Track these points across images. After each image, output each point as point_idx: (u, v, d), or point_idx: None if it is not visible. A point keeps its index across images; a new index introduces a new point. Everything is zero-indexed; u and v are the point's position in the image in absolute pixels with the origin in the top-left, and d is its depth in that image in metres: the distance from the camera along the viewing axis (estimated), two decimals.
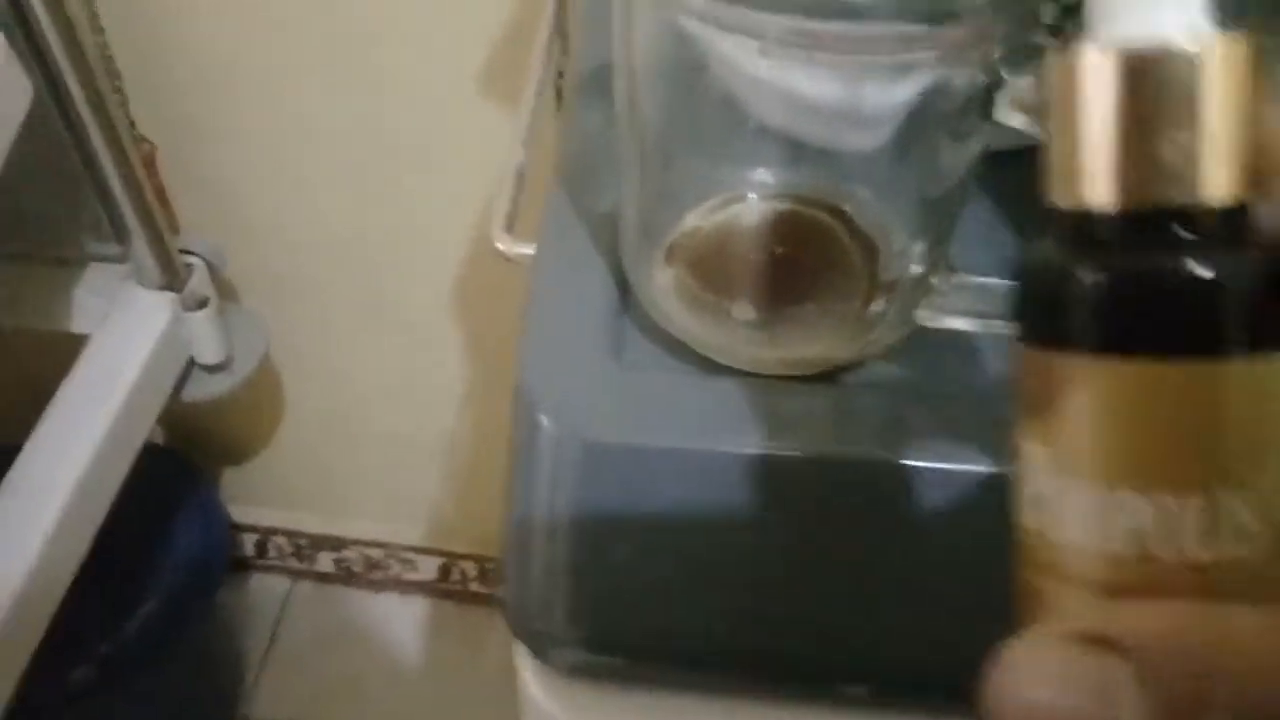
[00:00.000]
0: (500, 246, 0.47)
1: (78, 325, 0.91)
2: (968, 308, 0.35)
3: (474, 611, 1.28)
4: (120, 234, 0.88)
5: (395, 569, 1.27)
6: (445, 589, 1.28)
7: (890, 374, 0.38)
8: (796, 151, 0.34)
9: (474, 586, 1.27)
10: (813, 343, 0.37)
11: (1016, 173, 0.42)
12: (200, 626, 1.12)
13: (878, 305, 0.36)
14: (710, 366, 0.37)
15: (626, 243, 0.39)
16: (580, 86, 0.47)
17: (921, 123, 0.31)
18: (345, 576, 1.29)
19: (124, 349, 0.88)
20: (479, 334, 1.07)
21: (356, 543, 1.27)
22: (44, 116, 0.79)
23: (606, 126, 0.43)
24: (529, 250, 0.43)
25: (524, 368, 0.37)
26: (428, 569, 1.27)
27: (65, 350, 0.88)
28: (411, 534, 1.25)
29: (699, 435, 0.35)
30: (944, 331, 0.36)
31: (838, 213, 0.37)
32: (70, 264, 0.93)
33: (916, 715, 0.38)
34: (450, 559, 1.26)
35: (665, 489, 0.35)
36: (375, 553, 1.27)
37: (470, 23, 0.84)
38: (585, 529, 0.36)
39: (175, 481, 1.14)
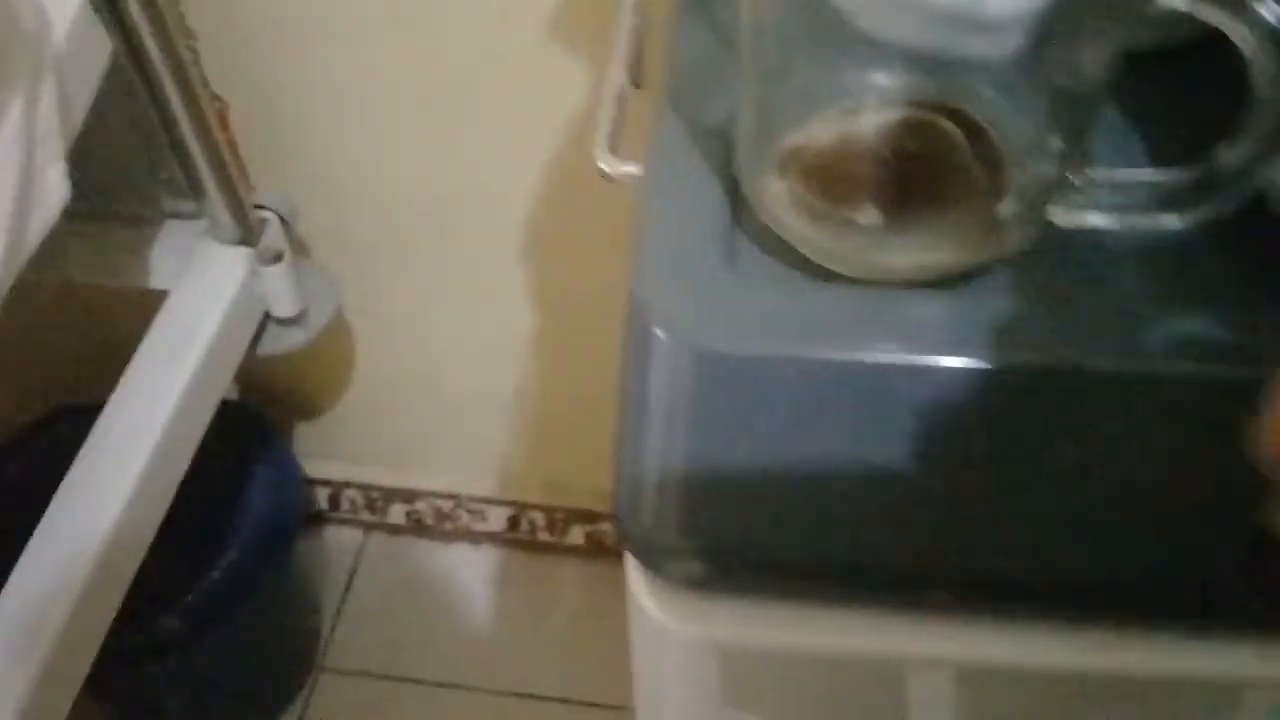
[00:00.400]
0: (603, 166, 0.47)
1: (155, 281, 0.92)
2: (1105, 203, 0.34)
3: (543, 560, 1.29)
4: (196, 191, 0.89)
5: (465, 520, 1.29)
6: (515, 539, 1.29)
7: (1022, 278, 0.37)
8: (917, 56, 0.33)
9: (542, 536, 1.28)
10: (939, 247, 0.36)
11: (1159, 72, 0.41)
12: (277, 578, 1.14)
13: (1007, 206, 0.35)
14: (829, 276, 0.37)
15: (741, 153, 0.38)
16: (684, 4, 0.46)
17: (1067, 13, 0.30)
18: (417, 528, 1.31)
19: (201, 304, 0.89)
20: (546, 288, 1.07)
21: (428, 494, 1.28)
22: (121, 75, 0.80)
23: (712, 40, 0.43)
24: (632, 169, 0.43)
25: (637, 279, 0.37)
26: (497, 519, 1.28)
27: (144, 307, 0.90)
28: (481, 485, 1.26)
29: (817, 343, 0.35)
30: (1081, 232, 0.35)
31: (961, 115, 0.36)
32: (147, 221, 0.94)
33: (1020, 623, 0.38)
34: (519, 509, 1.27)
35: (781, 399, 0.35)
36: (446, 504, 1.28)
37: None
38: (700, 440, 0.36)
39: (251, 436, 1.16)
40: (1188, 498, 0.36)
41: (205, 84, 0.94)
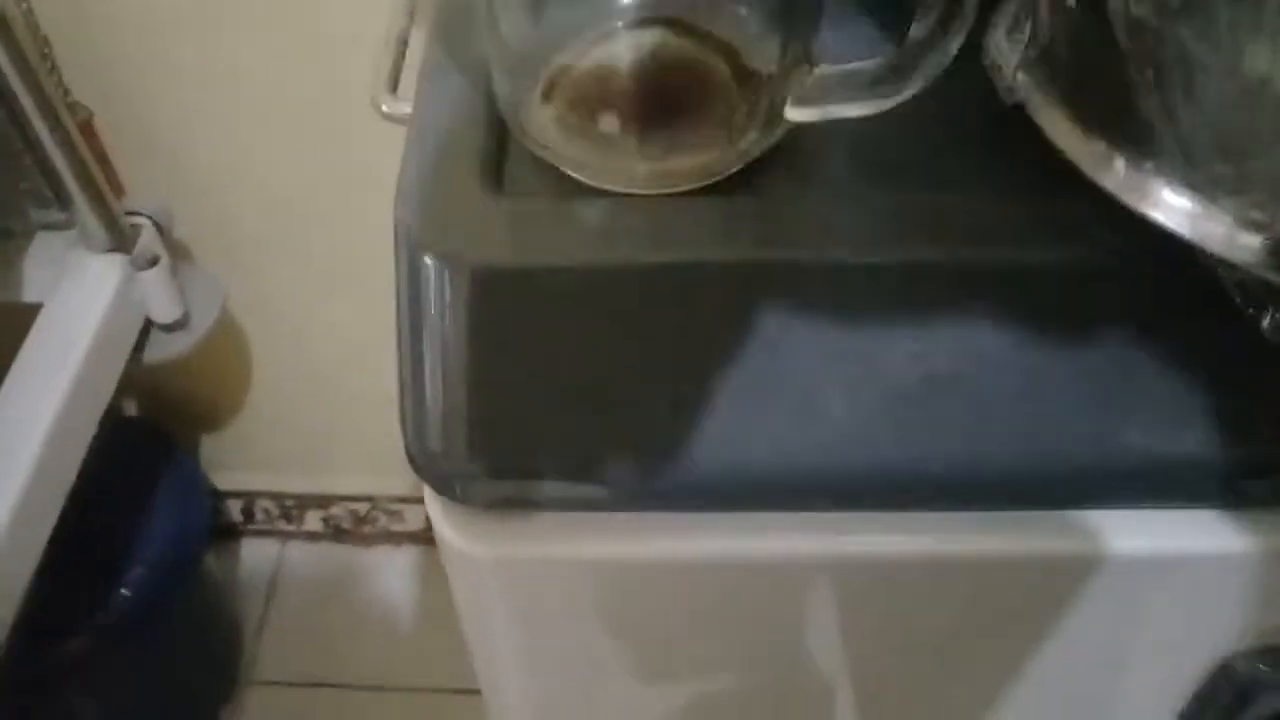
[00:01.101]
0: (383, 107, 0.47)
1: (29, 295, 0.91)
2: (833, 96, 0.36)
3: None
4: (63, 201, 0.88)
5: (383, 521, 1.28)
6: (434, 536, 1.27)
7: (771, 178, 0.38)
8: None
9: None
10: (687, 153, 0.37)
11: None
12: (189, 593, 1.13)
13: (744, 109, 0.37)
14: (591, 193, 0.38)
15: (498, 84, 0.39)
16: None
17: None
18: (335, 534, 1.29)
19: (77, 314, 0.87)
20: None
21: (342, 499, 1.27)
22: None
23: None
24: (409, 108, 0.43)
25: (401, 205, 0.37)
26: (415, 519, 1.27)
27: (21, 322, 0.88)
28: (396, 485, 1.25)
29: (583, 251, 0.35)
30: (820, 125, 0.37)
31: (700, 31, 0.38)
32: (16, 234, 0.92)
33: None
34: None
35: (554, 309, 0.36)
36: (361, 507, 1.27)
37: None
38: (476, 358, 0.36)
39: (152, 451, 1.14)
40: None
41: (65, 92, 0.93)
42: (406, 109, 0.44)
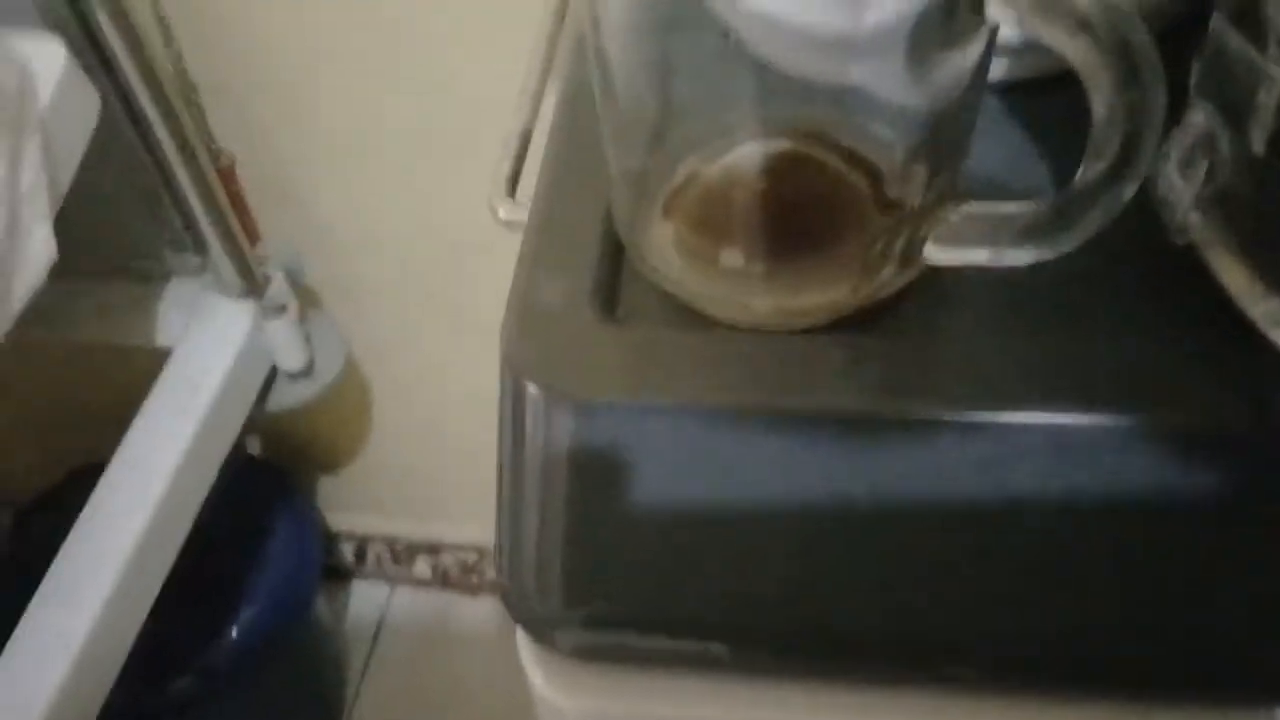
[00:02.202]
0: (501, 213, 0.45)
1: (161, 339, 0.92)
2: (981, 238, 0.32)
3: None
4: (198, 246, 0.89)
5: (491, 573, 1.27)
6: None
7: (903, 320, 0.35)
8: (791, 84, 0.31)
9: None
10: (815, 289, 0.35)
11: (1035, 103, 0.40)
12: (300, 634, 1.13)
13: (882, 242, 0.34)
14: (711, 326, 0.35)
15: (617, 199, 0.37)
16: (579, 36, 0.44)
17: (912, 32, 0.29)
18: (442, 581, 1.29)
19: (206, 359, 0.88)
20: None
21: (452, 547, 1.27)
22: (119, 131, 0.80)
23: None
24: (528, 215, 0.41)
25: (508, 332, 0.35)
26: None
27: (150, 364, 0.90)
28: None
29: (698, 392, 0.33)
30: (958, 270, 0.33)
31: (839, 148, 0.34)
32: (152, 278, 0.94)
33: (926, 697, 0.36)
34: None
35: (663, 452, 0.33)
36: (470, 556, 1.26)
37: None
38: (579, 499, 0.34)
39: (270, 492, 1.15)
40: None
41: (209, 137, 0.94)
42: (524, 215, 0.42)
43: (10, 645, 0.76)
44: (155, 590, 0.83)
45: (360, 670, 1.26)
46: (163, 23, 0.88)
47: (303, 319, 0.94)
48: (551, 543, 0.35)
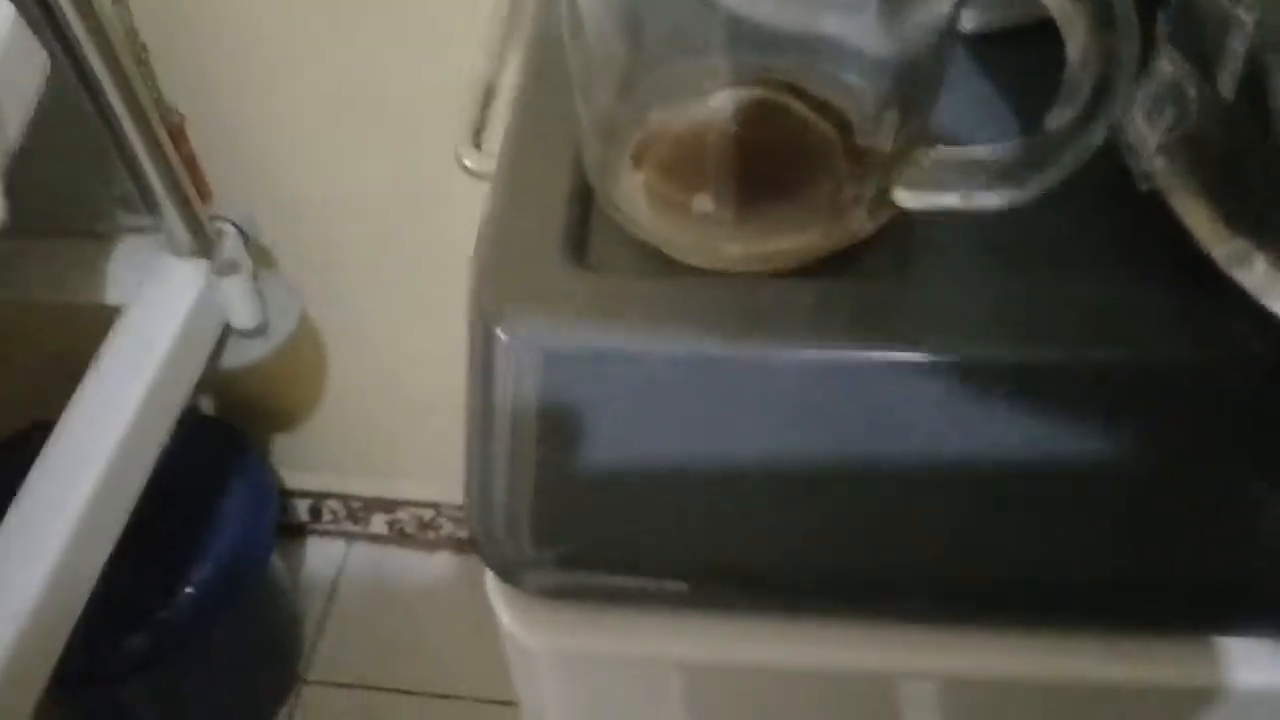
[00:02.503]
0: (467, 163, 0.45)
1: (113, 297, 0.92)
2: (951, 182, 0.33)
3: None
4: (150, 205, 0.88)
5: (448, 528, 1.27)
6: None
7: (873, 263, 0.36)
8: (761, 33, 0.32)
9: None
10: (785, 234, 0.35)
11: (1006, 53, 0.40)
12: (255, 592, 1.14)
13: (852, 187, 0.34)
14: (682, 271, 0.36)
15: (587, 146, 0.37)
16: None
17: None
18: (399, 538, 1.29)
19: (158, 318, 0.88)
20: None
21: (408, 504, 1.27)
22: (69, 90, 0.79)
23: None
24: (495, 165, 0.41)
25: (477, 277, 0.35)
26: None
27: (102, 323, 0.89)
28: (461, 493, 1.25)
29: (666, 338, 0.33)
30: (928, 213, 0.34)
31: (808, 96, 0.35)
32: (103, 237, 0.93)
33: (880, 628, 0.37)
34: None
35: (631, 396, 0.34)
36: (427, 513, 1.27)
37: None
38: (548, 442, 0.34)
39: (225, 450, 1.15)
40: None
41: (159, 97, 0.93)
42: (491, 165, 0.42)
43: None
44: (109, 547, 0.83)
45: (317, 626, 1.26)
46: None
47: (256, 277, 0.94)
48: (521, 485, 0.35)
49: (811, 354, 0.33)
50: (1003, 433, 0.33)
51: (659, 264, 0.36)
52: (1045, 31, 0.29)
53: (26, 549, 0.78)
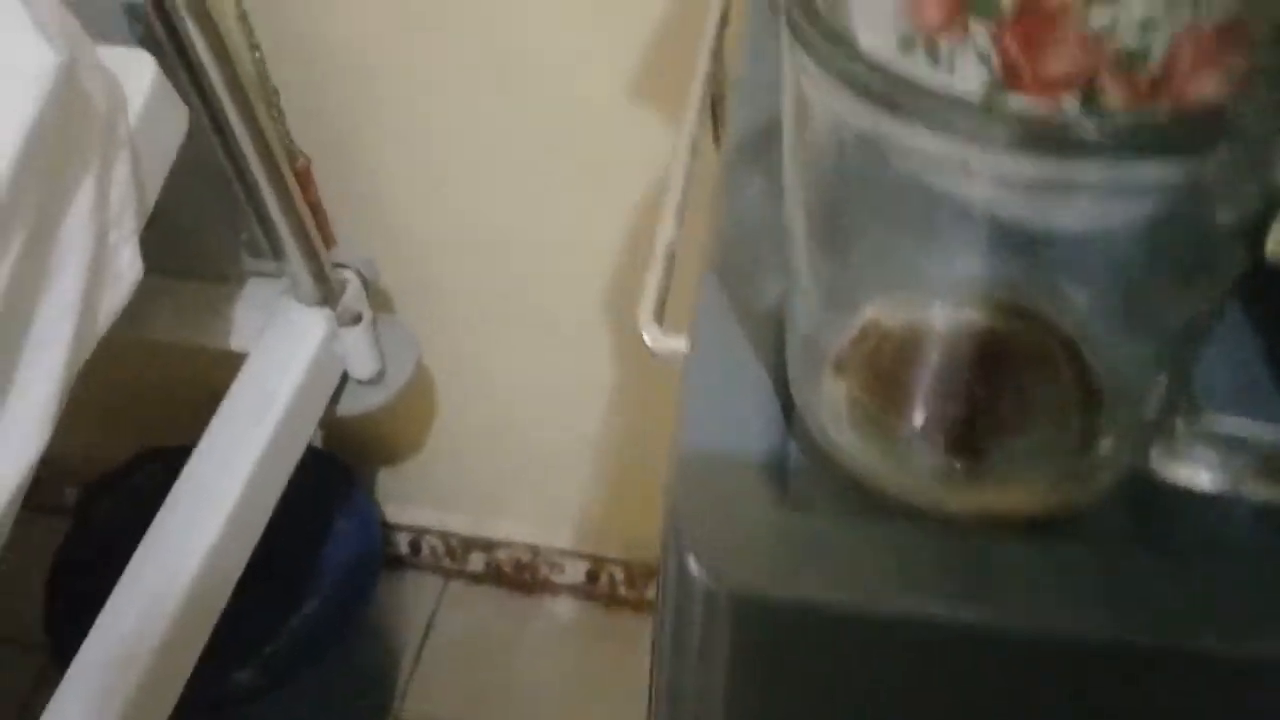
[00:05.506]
0: (647, 339, 0.43)
1: (236, 342, 0.93)
2: (1215, 460, 0.28)
3: (621, 615, 1.27)
4: (276, 251, 0.89)
5: (544, 571, 1.27)
6: (593, 591, 1.27)
7: (1113, 526, 0.31)
8: (999, 244, 0.27)
9: (622, 591, 1.26)
10: (1020, 487, 0.31)
11: None
12: (357, 626, 1.14)
13: (1103, 447, 0.30)
14: (887, 509, 0.32)
15: (791, 350, 0.34)
16: (737, 152, 0.41)
17: (1162, 252, 0.25)
18: (495, 577, 1.30)
19: (280, 367, 0.89)
20: (627, 339, 1.05)
21: (507, 544, 1.27)
22: (200, 136, 0.80)
23: (768, 203, 0.39)
24: (679, 344, 0.39)
25: (674, 498, 0.33)
26: (575, 572, 1.26)
27: (227, 362, 0.90)
28: (561, 537, 1.25)
29: (871, 595, 0.30)
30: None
31: (1050, 328, 0.30)
32: (229, 280, 0.94)
33: None
34: (598, 563, 1.25)
35: (834, 655, 0.31)
36: (525, 555, 1.27)
37: (625, 28, 0.82)
38: (738, 686, 0.32)
39: (332, 483, 1.16)
40: None
41: (289, 142, 0.94)
42: (673, 344, 0.40)
43: (93, 636, 0.77)
44: (232, 585, 0.84)
45: (412, 661, 1.27)
46: (246, 24, 0.88)
47: (375, 322, 0.94)
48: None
49: (1038, 629, 0.29)
50: None
51: (864, 495, 0.32)
52: None
53: (157, 588, 0.79)
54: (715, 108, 0.63)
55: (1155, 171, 0.21)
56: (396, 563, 1.31)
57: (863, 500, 0.32)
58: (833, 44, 0.24)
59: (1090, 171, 0.21)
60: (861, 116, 0.23)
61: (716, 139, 0.66)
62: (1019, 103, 0.32)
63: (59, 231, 0.62)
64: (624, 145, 0.89)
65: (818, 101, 0.26)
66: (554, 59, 0.86)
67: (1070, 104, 0.32)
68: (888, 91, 0.22)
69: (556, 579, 1.27)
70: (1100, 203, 0.24)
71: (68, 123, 0.61)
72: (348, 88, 0.93)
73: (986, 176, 0.24)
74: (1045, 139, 0.20)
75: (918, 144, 0.22)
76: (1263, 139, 0.21)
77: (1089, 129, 0.19)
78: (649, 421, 1.10)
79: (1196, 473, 0.28)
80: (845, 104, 0.23)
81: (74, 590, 1.10)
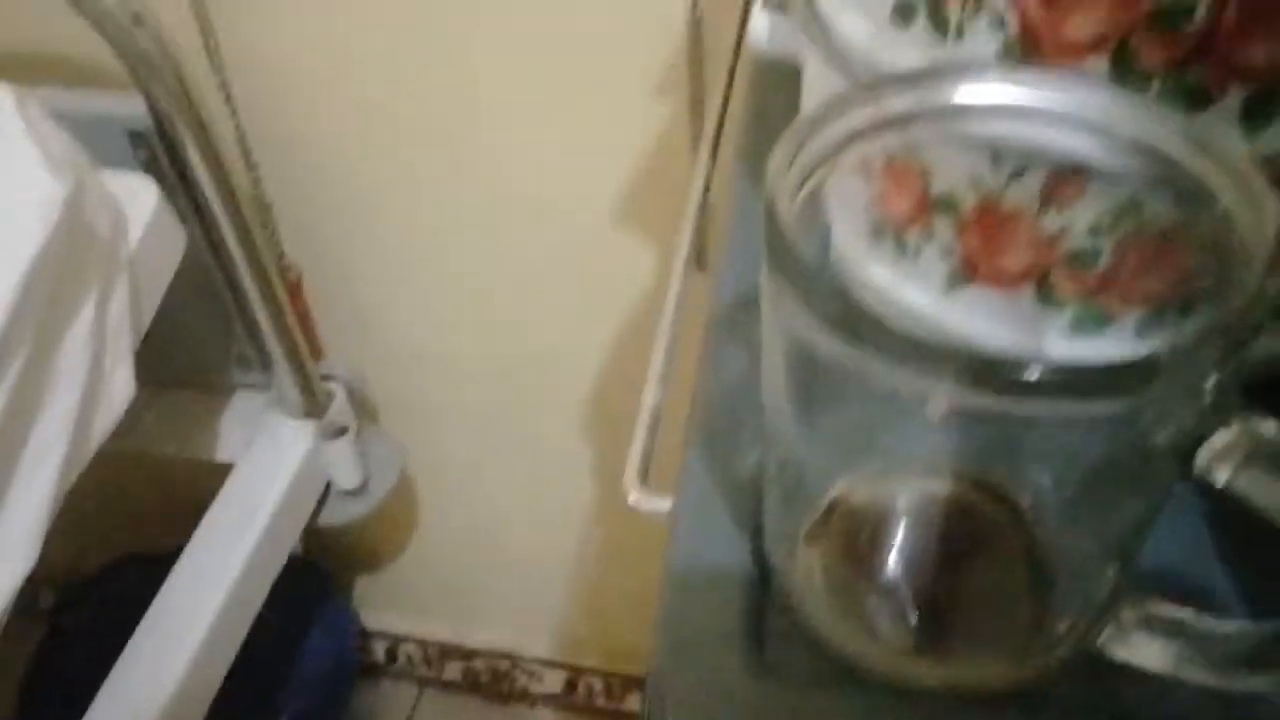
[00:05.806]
0: (631, 499, 0.44)
1: (222, 453, 0.94)
2: (1159, 646, 0.29)
3: None
4: (264, 364, 0.91)
5: (522, 681, 1.27)
6: (571, 702, 1.27)
7: (1074, 698, 0.32)
8: (966, 424, 0.28)
9: (600, 701, 1.26)
10: (980, 662, 0.32)
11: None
12: None
13: (1058, 628, 0.31)
14: (861, 680, 0.33)
15: (768, 517, 0.35)
16: (720, 320, 0.43)
17: (1105, 461, 0.27)
18: (472, 686, 1.29)
19: (266, 478, 0.90)
20: (606, 457, 1.07)
21: (485, 653, 1.27)
22: (195, 252, 0.82)
23: (751, 368, 0.40)
24: (663, 505, 0.41)
25: (657, 665, 0.34)
26: (554, 682, 1.26)
27: (212, 472, 0.91)
28: (539, 646, 1.25)
29: None
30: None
31: (1009, 504, 0.32)
32: (217, 391, 0.95)
33: None
34: (576, 673, 1.25)
35: None
36: (502, 664, 1.27)
37: (614, 150, 0.85)
38: None
39: (309, 591, 1.16)
40: None
41: (280, 258, 0.96)
42: (659, 505, 0.41)
43: None
44: (209, 701, 0.84)
45: None
46: (243, 144, 0.90)
47: (359, 433, 0.96)
48: None
49: None
50: None
51: (836, 665, 0.33)
52: None
53: (137, 701, 0.79)
54: (703, 231, 0.64)
55: (1096, 407, 0.23)
56: (372, 669, 1.31)
57: (835, 667, 0.33)
58: (796, 273, 0.26)
59: (1035, 406, 0.23)
60: (824, 342, 0.25)
61: (701, 264, 0.68)
62: (978, 293, 0.35)
63: (57, 354, 0.64)
64: (613, 266, 0.92)
65: (786, 313, 0.28)
66: (545, 181, 0.89)
67: (1028, 293, 0.34)
68: (848, 321, 0.24)
69: (534, 688, 1.27)
70: (1046, 427, 0.26)
71: (71, 250, 0.63)
72: (338, 203, 0.95)
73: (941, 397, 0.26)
74: (991, 379, 0.22)
75: (877, 368, 0.24)
76: (1194, 380, 0.23)
77: (1032, 372, 0.21)
78: (629, 534, 1.12)
79: (1143, 656, 0.30)
80: (808, 326, 0.25)
81: (49, 697, 1.09)
